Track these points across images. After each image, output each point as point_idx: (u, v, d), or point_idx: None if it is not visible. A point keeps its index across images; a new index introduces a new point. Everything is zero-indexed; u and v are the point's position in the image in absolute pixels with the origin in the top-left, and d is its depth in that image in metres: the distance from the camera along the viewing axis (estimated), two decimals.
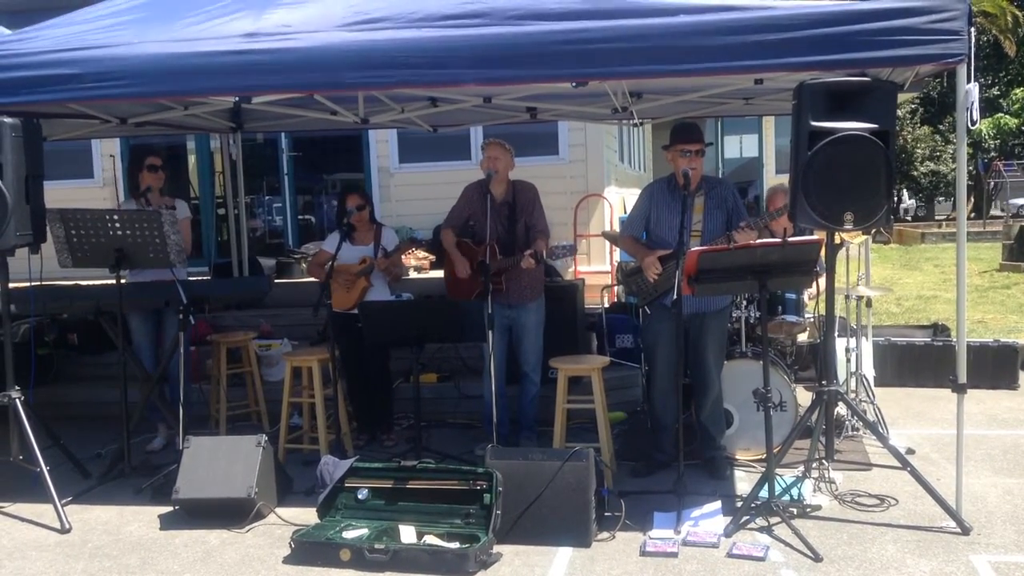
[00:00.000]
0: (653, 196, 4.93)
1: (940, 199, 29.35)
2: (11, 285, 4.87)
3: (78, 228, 4.84)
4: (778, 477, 4.29)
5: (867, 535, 4.01)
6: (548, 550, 3.94)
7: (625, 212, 8.18)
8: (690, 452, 4.82)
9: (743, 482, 4.76)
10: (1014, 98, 26.74)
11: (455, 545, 3.87)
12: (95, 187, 9.83)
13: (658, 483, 4.69)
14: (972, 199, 23.73)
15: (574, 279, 7.50)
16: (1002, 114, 26.86)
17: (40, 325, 7.05)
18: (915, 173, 26.62)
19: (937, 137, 26.96)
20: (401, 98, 6.17)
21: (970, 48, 3.79)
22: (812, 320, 5.78)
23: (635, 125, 7.51)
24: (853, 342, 5.59)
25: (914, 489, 4.30)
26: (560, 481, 4.03)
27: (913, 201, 30.87)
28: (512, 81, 4.57)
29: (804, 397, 5.32)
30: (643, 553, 3.88)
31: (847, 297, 5.60)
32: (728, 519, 4.13)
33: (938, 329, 7.52)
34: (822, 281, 4.92)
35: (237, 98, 5.95)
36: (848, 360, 5.54)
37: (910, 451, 5.09)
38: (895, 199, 25.80)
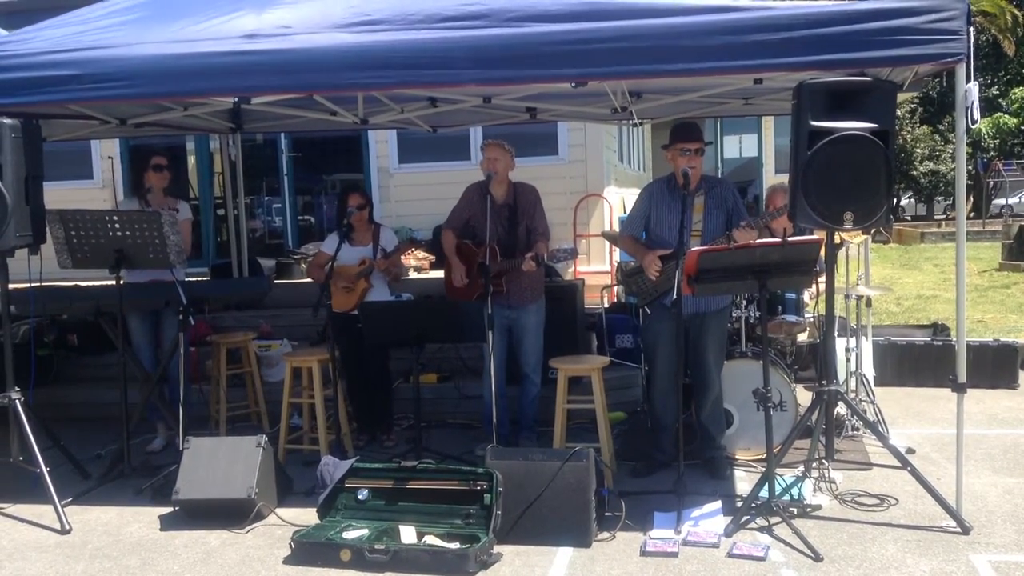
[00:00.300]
0: (653, 196, 4.93)
1: (940, 198, 29.32)
2: (11, 286, 4.87)
3: (78, 229, 4.84)
4: (778, 477, 4.29)
5: (867, 535, 4.01)
6: (548, 550, 3.94)
7: (625, 212, 8.18)
8: (690, 452, 4.82)
9: (743, 482, 4.76)
10: (1013, 97, 26.71)
11: (455, 545, 3.87)
12: (95, 188, 9.83)
13: (658, 483, 4.69)
14: (971, 199, 23.72)
15: (574, 279, 7.50)
16: (1001, 113, 26.84)
17: (40, 326, 7.05)
18: (914, 173, 26.60)
19: (936, 137, 26.93)
20: (401, 98, 6.17)
21: (969, 48, 3.79)
22: (812, 320, 5.78)
23: (635, 125, 7.51)
24: (853, 342, 5.59)
25: (914, 489, 4.30)
26: (560, 481, 4.03)
27: (911, 201, 30.86)
28: (512, 81, 4.57)
29: (804, 397, 5.33)
30: (643, 553, 3.88)
31: (847, 297, 5.60)
32: (728, 519, 4.13)
33: (938, 329, 7.52)
34: (822, 281, 4.92)
35: (237, 99, 5.95)
36: (848, 360, 5.54)
37: (910, 451, 5.09)
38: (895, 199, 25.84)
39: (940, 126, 26.92)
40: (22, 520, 4.60)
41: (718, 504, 4.31)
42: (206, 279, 8.10)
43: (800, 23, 3.84)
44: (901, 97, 4.89)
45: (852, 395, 5.38)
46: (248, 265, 8.31)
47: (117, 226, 4.84)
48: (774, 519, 4.11)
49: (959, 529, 3.97)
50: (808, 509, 4.26)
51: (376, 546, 3.84)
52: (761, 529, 4.08)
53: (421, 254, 8.46)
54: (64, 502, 4.57)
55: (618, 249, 6.91)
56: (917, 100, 24.35)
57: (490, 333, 4.92)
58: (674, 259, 4.33)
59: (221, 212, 9.84)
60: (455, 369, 6.77)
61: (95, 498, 4.84)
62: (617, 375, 6.26)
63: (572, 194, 9.03)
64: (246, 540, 4.25)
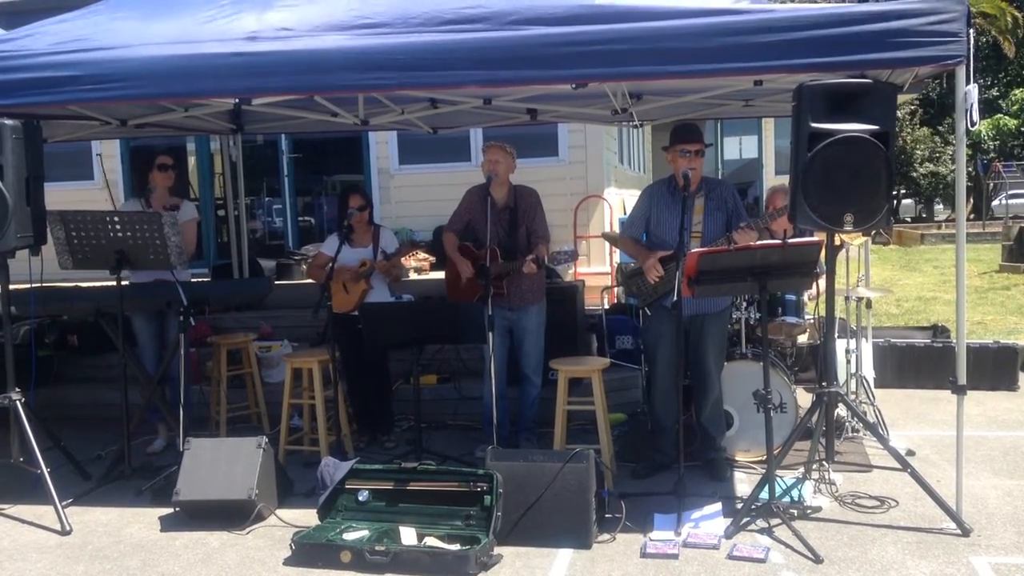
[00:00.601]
0: (653, 197, 4.94)
1: (938, 202, 29.34)
2: (11, 287, 4.87)
3: (78, 230, 4.84)
4: (778, 478, 4.29)
5: (867, 536, 4.01)
6: (548, 552, 3.94)
7: (625, 213, 8.18)
8: (690, 454, 4.83)
9: (743, 483, 4.77)
10: (1013, 99, 26.75)
11: (455, 547, 3.87)
12: (95, 189, 9.82)
13: (658, 485, 4.69)
14: (971, 200, 23.73)
15: (574, 280, 7.51)
16: (1001, 115, 26.88)
17: (40, 327, 7.05)
18: (914, 174, 26.61)
19: (936, 138, 26.95)
20: (401, 100, 6.17)
21: (969, 49, 3.79)
22: (812, 321, 5.78)
23: (635, 127, 7.52)
24: (853, 343, 5.59)
25: (914, 490, 4.30)
26: (560, 483, 4.03)
27: (911, 201, 30.87)
28: (512, 82, 4.58)
29: (804, 398, 5.33)
30: (643, 555, 3.88)
31: (847, 298, 5.60)
32: (728, 521, 4.13)
33: (938, 330, 7.52)
34: (822, 282, 4.92)
35: (237, 100, 5.96)
36: (848, 361, 5.54)
37: (910, 452, 5.09)
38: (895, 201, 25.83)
39: (940, 128, 26.94)
40: (23, 521, 4.60)
41: (718, 506, 4.31)
42: (207, 280, 8.10)
43: (800, 25, 3.85)
44: (901, 99, 4.89)
45: (852, 397, 5.37)
46: (248, 266, 8.32)
47: (118, 227, 4.84)
48: (774, 521, 4.11)
49: (959, 531, 3.98)
50: (808, 511, 4.26)
51: (376, 547, 3.84)
52: (761, 531, 4.09)
53: (422, 255, 8.46)
54: (65, 503, 4.57)
55: (618, 250, 6.92)
56: (917, 102, 24.37)
57: (490, 334, 4.92)
58: (674, 260, 4.33)
59: (222, 213, 9.85)
60: (455, 370, 6.77)
61: (95, 499, 4.84)
62: (617, 376, 6.26)
63: (572, 195, 9.03)
64: (246, 541, 4.25)
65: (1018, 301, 10.77)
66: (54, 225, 4.82)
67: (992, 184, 24.53)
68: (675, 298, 4.24)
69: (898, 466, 4.29)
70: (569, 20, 4.03)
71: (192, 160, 10.34)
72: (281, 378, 5.88)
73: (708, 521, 4.16)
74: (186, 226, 5.53)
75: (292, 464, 5.27)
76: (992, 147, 27.18)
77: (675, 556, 3.85)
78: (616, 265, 7.24)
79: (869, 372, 5.72)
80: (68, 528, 4.42)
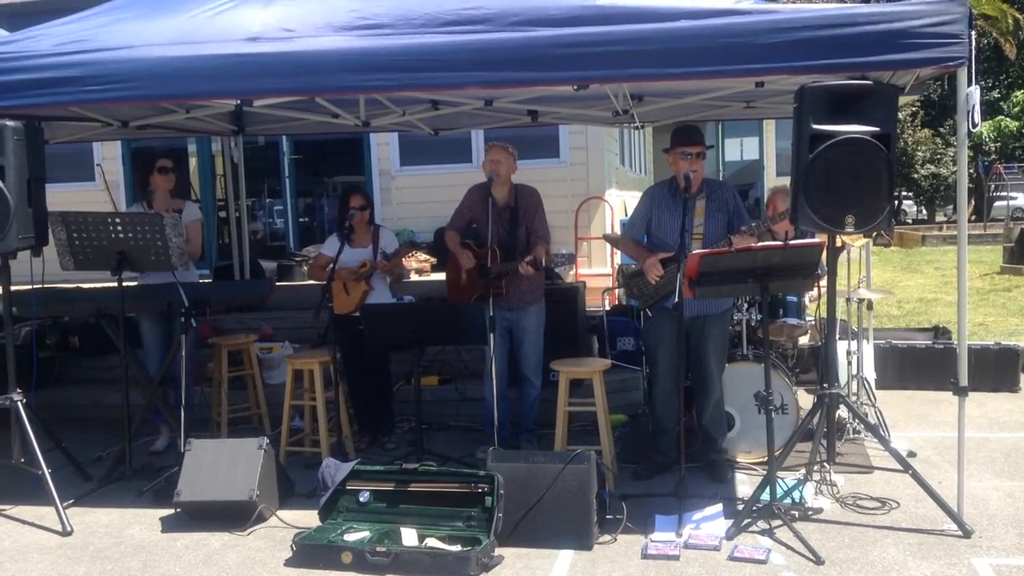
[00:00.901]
0: (654, 199, 4.94)
1: (940, 203, 29.30)
2: (13, 288, 4.88)
3: (80, 231, 4.84)
4: (779, 480, 4.29)
5: (868, 538, 4.01)
6: (549, 553, 3.94)
7: (626, 215, 8.19)
8: (691, 455, 4.82)
9: (744, 485, 4.76)
10: (1015, 101, 26.71)
11: (456, 548, 3.87)
12: (96, 190, 9.82)
13: (659, 486, 4.69)
14: (972, 202, 23.72)
15: (575, 282, 7.51)
16: (1003, 117, 26.85)
17: (42, 328, 7.06)
18: (916, 176, 26.59)
19: (938, 140, 26.93)
20: (402, 101, 6.17)
21: (970, 51, 3.79)
22: (813, 323, 5.78)
23: (636, 128, 7.52)
24: (854, 345, 5.59)
25: (915, 492, 4.30)
26: (561, 484, 4.03)
27: (914, 204, 30.84)
28: (514, 84, 4.59)
29: (805, 400, 5.33)
30: (644, 556, 3.88)
31: (848, 300, 5.60)
32: (729, 522, 4.13)
33: (939, 332, 7.51)
34: (823, 284, 4.92)
35: (239, 101, 5.96)
36: (849, 363, 5.54)
37: (911, 454, 5.09)
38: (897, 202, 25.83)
39: (941, 129, 26.92)
40: (24, 522, 4.60)
41: (719, 507, 4.31)
42: (208, 281, 8.10)
43: (802, 26, 3.85)
44: (902, 100, 4.90)
45: (853, 398, 5.37)
46: (250, 267, 8.32)
47: (119, 228, 4.85)
48: (775, 522, 4.11)
49: (960, 532, 3.97)
50: (809, 512, 4.26)
51: (377, 548, 3.84)
52: (762, 532, 4.09)
53: (422, 256, 8.46)
54: (65, 504, 4.57)
55: (619, 252, 6.92)
56: (918, 103, 24.35)
57: (491, 335, 4.92)
58: (675, 262, 4.33)
59: (223, 214, 9.84)
60: (456, 371, 6.77)
61: (96, 500, 4.85)
62: (618, 378, 6.26)
63: (573, 197, 9.03)
64: (247, 542, 4.25)
65: (1019, 303, 10.76)
66: (55, 226, 4.83)
67: (993, 186, 24.51)
68: (676, 299, 4.24)
69: (899, 467, 4.29)
70: (571, 21, 4.03)
71: (193, 162, 10.34)
72: (282, 379, 5.88)
73: (709, 522, 4.16)
74: (191, 227, 5.54)
75: (293, 465, 5.27)
76: (993, 149, 27.17)
77: (676, 557, 3.85)
78: (617, 266, 7.23)
79: (870, 373, 5.71)
80: (69, 529, 4.42)
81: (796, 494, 4.33)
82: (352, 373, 5.78)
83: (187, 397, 5.24)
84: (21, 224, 4.57)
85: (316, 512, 4.29)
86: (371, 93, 5.37)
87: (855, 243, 5.35)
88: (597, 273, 8.91)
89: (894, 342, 7.02)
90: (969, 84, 3.85)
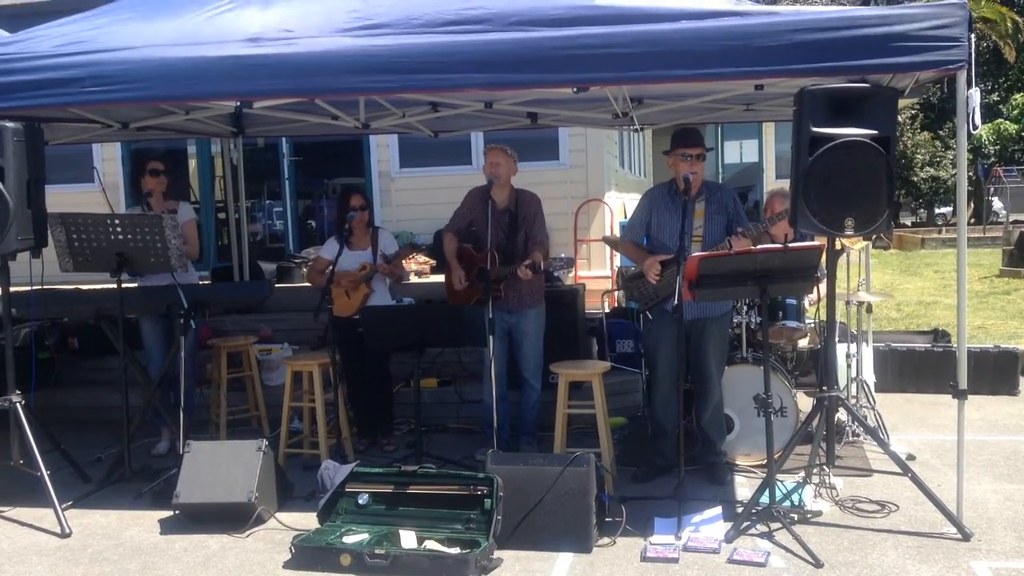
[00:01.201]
0: (654, 201, 4.94)
1: (939, 206, 29.32)
2: (12, 289, 4.87)
3: (79, 232, 4.84)
4: (779, 483, 4.29)
5: (868, 541, 4.00)
6: (549, 555, 3.94)
7: (625, 217, 8.19)
8: (691, 457, 4.83)
9: (744, 488, 4.76)
10: (1014, 103, 26.77)
11: (455, 550, 3.86)
12: (96, 191, 9.80)
13: (659, 488, 4.68)
14: (972, 205, 23.73)
15: (575, 284, 7.51)
16: (1002, 119, 26.89)
17: (41, 329, 7.05)
18: (915, 179, 26.61)
19: (937, 143, 26.96)
20: (402, 103, 6.17)
21: (970, 54, 3.79)
22: (813, 326, 5.78)
23: (635, 131, 7.51)
24: (854, 348, 5.58)
25: (915, 495, 4.29)
26: (561, 486, 4.02)
27: (913, 207, 30.88)
28: (514, 86, 4.58)
29: (805, 403, 5.33)
30: (644, 559, 3.88)
31: (848, 302, 5.60)
32: (729, 525, 4.13)
33: (938, 335, 7.52)
34: (823, 286, 4.91)
35: (239, 103, 5.95)
36: (849, 366, 5.53)
37: (911, 457, 5.09)
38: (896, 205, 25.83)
39: (941, 132, 26.95)
40: (22, 523, 4.60)
41: (719, 510, 4.31)
42: (207, 283, 8.09)
43: (802, 29, 3.86)
44: (902, 103, 4.89)
45: (853, 401, 5.37)
46: (249, 269, 8.32)
47: (119, 230, 4.85)
48: (775, 525, 4.10)
49: (960, 536, 3.97)
50: (809, 515, 4.26)
51: (376, 551, 3.84)
52: (762, 535, 4.08)
53: (422, 258, 8.46)
54: (64, 506, 4.56)
55: (619, 254, 6.92)
56: (918, 106, 24.37)
57: (491, 338, 4.92)
58: (675, 264, 4.33)
59: (222, 216, 9.85)
60: (456, 373, 6.77)
61: (95, 502, 4.84)
62: (618, 380, 6.26)
63: (573, 199, 9.03)
64: (246, 544, 4.24)
65: (1019, 306, 10.76)
66: (55, 227, 4.83)
67: (992, 188, 24.53)
68: (676, 302, 4.24)
69: (898, 470, 4.28)
70: (571, 22, 4.03)
71: (193, 163, 10.35)
72: (281, 381, 5.88)
73: (708, 525, 4.16)
74: (186, 227, 5.53)
75: (292, 467, 5.26)
76: (993, 151, 27.19)
77: (675, 560, 3.85)
78: (617, 269, 7.24)
79: (870, 376, 5.71)
80: (68, 531, 4.41)
81: (795, 497, 4.33)
82: (352, 375, 5.77)
83: (187, 399, 5.23)
84: (20, 225, 4.56)
85: (315, 514, 4.28)
86: (371, 95, 5.37)
87: (854, 246, 5.35)
88: (597, 276, 8.91)
89: (893, 345, 7.02)
90: (968, 87, 3.85)
